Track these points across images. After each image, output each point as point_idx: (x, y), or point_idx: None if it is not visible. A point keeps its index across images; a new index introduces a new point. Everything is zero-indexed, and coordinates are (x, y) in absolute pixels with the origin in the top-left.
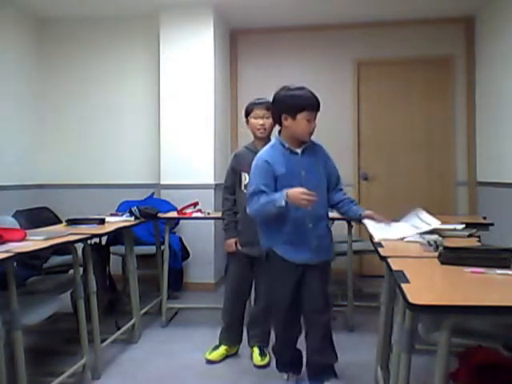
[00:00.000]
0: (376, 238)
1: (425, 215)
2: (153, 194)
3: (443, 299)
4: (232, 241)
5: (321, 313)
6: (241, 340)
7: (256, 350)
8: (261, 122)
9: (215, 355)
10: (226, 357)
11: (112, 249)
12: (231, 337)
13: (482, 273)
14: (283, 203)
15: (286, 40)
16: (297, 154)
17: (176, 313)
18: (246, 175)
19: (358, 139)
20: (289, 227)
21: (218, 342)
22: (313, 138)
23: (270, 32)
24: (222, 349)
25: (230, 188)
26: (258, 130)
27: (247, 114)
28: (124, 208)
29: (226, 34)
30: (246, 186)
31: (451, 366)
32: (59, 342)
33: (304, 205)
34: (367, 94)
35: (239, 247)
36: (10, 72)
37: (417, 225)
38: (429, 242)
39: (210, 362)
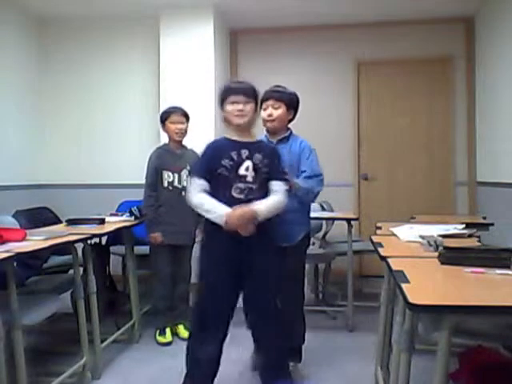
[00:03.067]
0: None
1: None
2: None
3: (443, 299)
4: (157, 234)
5: None
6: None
7: (181, 327)
8: (179, 126)
9: (163, 339)
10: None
11: (112, 249)
12: (170, 318)
13: (482, 273)
14: None
15: (286, 40)
16: (272, 143)
17: None
18: (170, 173)
19: (358, 139)
20: None
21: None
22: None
23: (270, 32)
24: (169, 331)
25: (152, 186)
26: (177, 133)
27: (165, 119)
28: (124, 208)
29: (226, 34)
30: (169, 183)
31: (451, 366)
32: (59, 342)
33: None
34: (367, 94)
35: (163, 239)
36: (11, 72)
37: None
38: (429, 242)
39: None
